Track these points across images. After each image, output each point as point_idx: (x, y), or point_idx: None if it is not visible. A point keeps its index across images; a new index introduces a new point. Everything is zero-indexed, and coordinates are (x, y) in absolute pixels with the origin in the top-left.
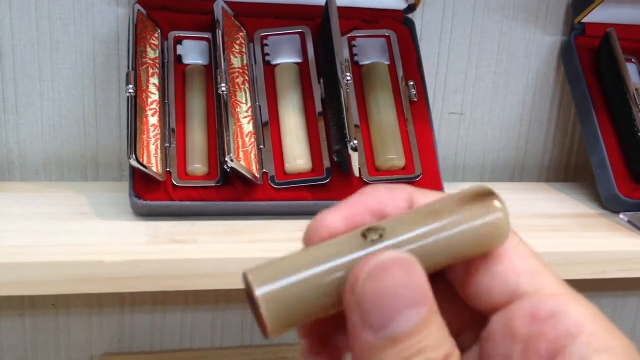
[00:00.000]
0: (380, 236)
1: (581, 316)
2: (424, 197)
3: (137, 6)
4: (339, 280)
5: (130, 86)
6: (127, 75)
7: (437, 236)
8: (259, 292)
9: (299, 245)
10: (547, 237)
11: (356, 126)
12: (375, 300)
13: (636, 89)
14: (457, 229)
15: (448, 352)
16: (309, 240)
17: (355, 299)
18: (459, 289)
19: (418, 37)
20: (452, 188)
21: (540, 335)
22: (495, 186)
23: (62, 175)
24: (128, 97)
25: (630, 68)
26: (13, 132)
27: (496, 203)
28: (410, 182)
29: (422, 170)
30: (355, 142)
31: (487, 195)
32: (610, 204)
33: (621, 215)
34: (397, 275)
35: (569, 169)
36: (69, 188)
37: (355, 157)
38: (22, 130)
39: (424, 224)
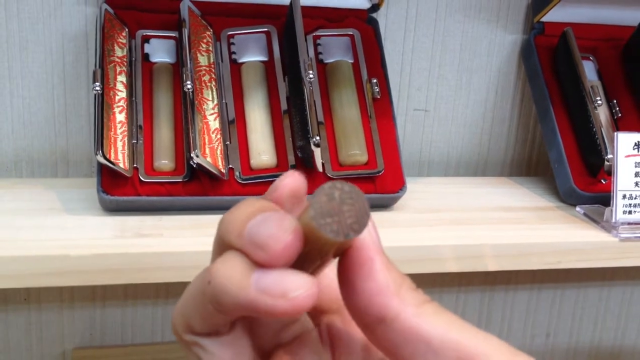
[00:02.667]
0: None
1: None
2: None
3: (105, 5)
4: None
5: (97, 84)
6: (94, 73)
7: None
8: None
9: None
10: (506, 229)
11: (320, 123)
12: None
13: (592, 87)
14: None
15: None
16: (270, 194)
17: None
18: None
19: (382, 36)
20: (417, 183)
21: None
22: (459, 181)
23: (33, 173)
24: (95, 95)
25: (587, 66)
26: None
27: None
28: (372, 176)
29: (385, 165)
30: (318, 138)
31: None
32: (567, 198)
33: (578, 208)
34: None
35: (530, 165)
36: (39, 184)
37: (318, 153)
38: None
39: None
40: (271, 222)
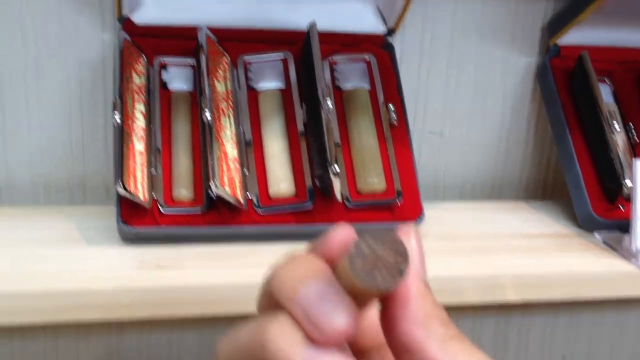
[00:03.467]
0: None
1: None
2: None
3: (123, 34)
4: None
5: (117, 114)
6: (114, 103)
7: None
8: None
9: None
10: (526, 258)
11: (337, 145)
12: None
13: (609, 110)
14: None
15: None
16: (319, 247)
17: None
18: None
19: (398, 60)
20: (433, 208)
21: None
22: (475, 206)
23: (50, 199)
24: (114, 125)
25: (604, 89)
26: (1, 156)
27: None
28: (391, 204)
29: (403, 193)
30: (337, 167)
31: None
32: (585, 224)
33: (596, 235)
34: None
35: (546, 187)
36: (57, 212)
37: (337, 182)
38: (10, 154)
39: None
40: (327, 301)
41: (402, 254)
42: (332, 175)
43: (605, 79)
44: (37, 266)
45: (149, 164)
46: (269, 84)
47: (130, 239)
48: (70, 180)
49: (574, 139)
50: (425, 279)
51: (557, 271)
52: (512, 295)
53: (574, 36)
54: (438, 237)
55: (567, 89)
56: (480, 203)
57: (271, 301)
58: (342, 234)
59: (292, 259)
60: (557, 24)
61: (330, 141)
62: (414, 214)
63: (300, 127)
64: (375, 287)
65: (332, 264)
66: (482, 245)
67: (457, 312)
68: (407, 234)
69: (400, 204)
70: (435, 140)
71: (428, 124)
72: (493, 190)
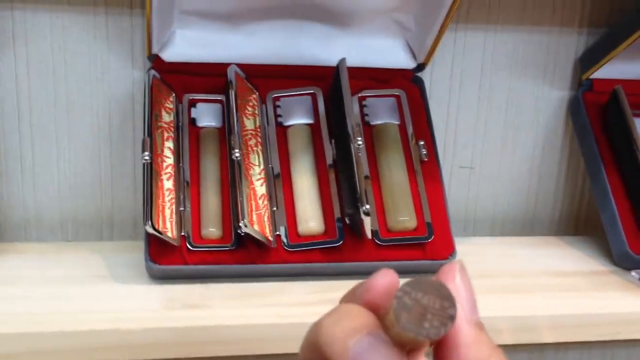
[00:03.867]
0: None
1: None
2: None
3: (153, 72)
4: None
5: (147, 153)
6: (143, 142)
7: None
8: None
9: (312, 309)
10: (561, 297)
11: (367, 181)
12: None
13: None
14: None
15: None
16: (364, 295)
17: None
18: None
19: (427, 94)
20: (464, 244)
21: None
22: (507, 241)
23: (78, 234)
24: (144, 164)
25: (639, 123)
26: (30, 191)
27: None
28: (422, 242)
29: (434, 231)
30: (368, 207)
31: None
32: (621, 262)
33: (633, 273)
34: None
35: (579, 222)
36: (85, 248)
37: (367, 222)
38: (39, 189)
39: None
40: (378, 355)
41: (447, 298)
42: (362, 215)
43: None
44: (64, 306)
45: (178, 202)
46: (298, 119)
47: (159, 277)
48: (98, 216)
49: (609, 174)
50: (478, 319)
51: (593, 312)
52: (547, 337)
53: (607, 70)
54: (470, 275)
55: (600, 124)
56: (512, 238)
57: (319, 355)
58: (385, 280)
59: (338, 310)
60: (591, 58)
61: (361, 179)
62: (446, 251)
63: (329, 162)
64: (427, 338)
65: (377, 311)
66: (515, 284)
67: None
68: (451, 272)
69: (432, 241)
70: (465, 174)
71: (458, 158)
72: (525, 226)
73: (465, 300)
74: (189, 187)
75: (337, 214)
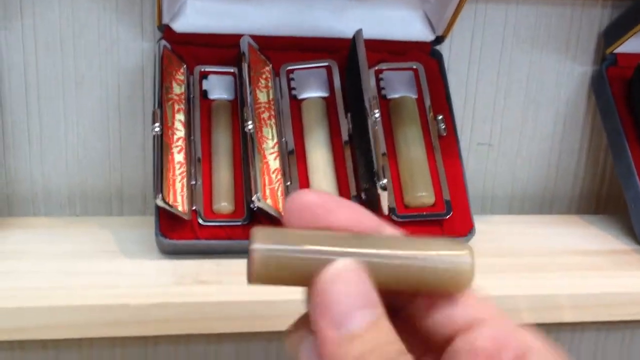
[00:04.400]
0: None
1: (533, 338)
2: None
3: (163, 42)
4: (316, 272)
5: (157, 125)
6: (154, 113)
7: (407, 262)
8: (255, 246)
9: None
10: (583, 277)
11: (384, 156)
12: (330, 302)
13: None
14: (424, 263)
15: (400, 349)
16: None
17: (315, 299)
18: (420, 320)
19: (446, 68)
20: (481, 221)
21: (503, 347)
22: (526, 219)
23: (87, 209)
24: (154, 136)
25: None
26: (37, 164)
27: (467, 255)
28: (440, 219)
29: (453, 207)
30: (385, 181)
31: (463, 248)
32: None
33: None
34: (347, 281)
35: (600, 200)
36: (94, 223)
37: (384, 197)
38: (46, 163)
39: (401, 248)
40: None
41: None
42: (379, 190)
43: None
44: (73, 280)
45: (189, 175)
46: (313, 92)
47: (169, 252)
48: (107, 190)
49: (633, 152)
50: None
51: (617, 291)
52: (568, 316)
53: (632, 44)
54: (489, 254)
55: (624, 99)
56: (531, 217)
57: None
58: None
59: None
60: (615, 31)
61: (378, 153)
62: (464, 229)
63: (344, 137)
64: None
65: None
66: (535, 263)
67: None
68: None
69: (450, 218)
70: (483, 151)
71: (476, 135)
72: (544, 204)
73: None
74: (200, 160)
75: (352, 189)
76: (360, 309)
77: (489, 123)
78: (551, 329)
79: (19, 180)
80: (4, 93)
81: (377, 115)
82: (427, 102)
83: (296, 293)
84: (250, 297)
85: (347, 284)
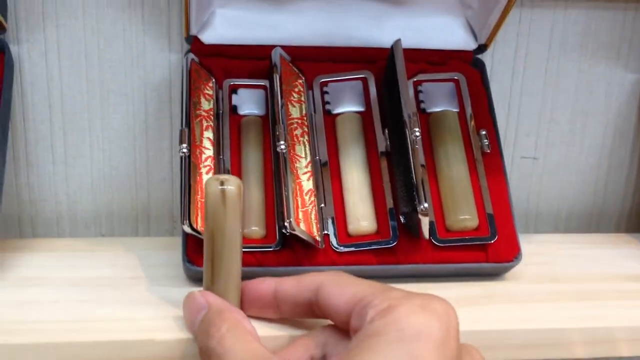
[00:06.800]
0: None
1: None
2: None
3: (191, 55)
4: None
5: (184, 145)
6: (181, 133)
7: None
8: None
9: None
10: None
11: (424, 177)
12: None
13: None
14: None
15: (237, 318)
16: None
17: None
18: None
19: (489, 78)
20: (525, 241)
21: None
22: (574, 239)
23: (113, 229)
24: (182, 157)
25: None
26: (62, 184)
27: None
28: (484, 243)
29: (497, 230)
30: (426, 205)
31: None
32: None
33: None
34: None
35: None
36: (120, 245)
37: (425, 222)
38: (71, 182)
39: None
40: None
41: None
42: (420, 214)
43: None
44: (95, 313)
45: None
46: (348, 107)
47: (197, 279)
48: (133, 209)
49: None
50: None
51: None
52: (626, 351)
53: None
54: (535, 279)
55: None
56: (579, 236)
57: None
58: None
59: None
60: None
61: (418, 173)
62: (510, 254)
63: (381, 154)
64: None
65: None
66: (588, 290)
67: None
68: None
69: (495, 242)
70: (527, 165)
71: (519, 148)
72: (592, 221)
73: None
74: None
75: (390, 211)
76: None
77: (534, 136)
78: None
79: (43, 199)
80: (26, 109)
81: (417, 132)
82: (469, 116)
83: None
84: (286, 332)
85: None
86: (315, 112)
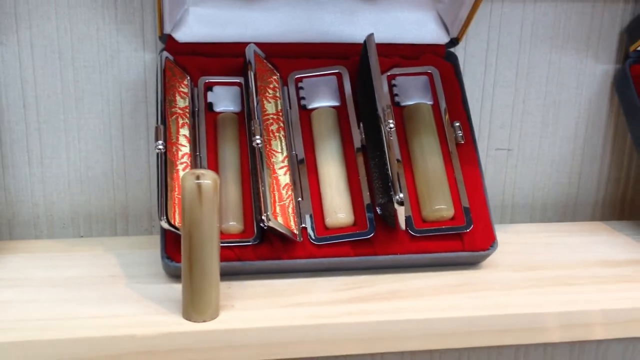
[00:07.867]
0: None
1: None
2: None
3: (165, 53)
4: None
5: (160, 142)
6: (157, 130)
7: None
8: None
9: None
10: (615, 290)
11: (399, 168)
12: None
13: None
14: None
15: None
16: None
17: None
18: None
19: (461, 71)
20: (502, 230)
21: None
22: (549, 228)
23: (91, 229)
24: (158, 154)
25: None
26: (39, 185)
27: None
28: (460, 233)
29: (473, 219)
30: (402, 195)
31: None
32: None
33: None
34: None
35: (624, 205)
36: (98, 245)
37: (401, 211)
38: (48, 183)
39: None
40: None
41: None
42: (396, 204)
43: None
44: (75, 311)
45: None
46: (323, 102)
47: (176, 275)
48: (111, 209)
49: None
50: None
51: None
52: (601, 334)
53: None
54: (512, 267)
55: None
56: (554, 225)
57: None
58: None
59: None
60: (638, 28)
61: (393, 165)
62: (486, 243)
63: (357, 148)
64: None
65: None
66: (563, 276)
67: (535, 348)
68: None
69: (471, 231)
70: (502, 157)
71: (494, 140)
72: (566, 211)
73: None
74: None
75: (367, 203)
76: None
77: (508, 127)
78: (575, 344)
79: (20, 201)
80: (1, 110)
81: (391, 125)
82: (443, 109)
83: (314, 317)
84: (264, 323)
85: None
86: (290, 107)
